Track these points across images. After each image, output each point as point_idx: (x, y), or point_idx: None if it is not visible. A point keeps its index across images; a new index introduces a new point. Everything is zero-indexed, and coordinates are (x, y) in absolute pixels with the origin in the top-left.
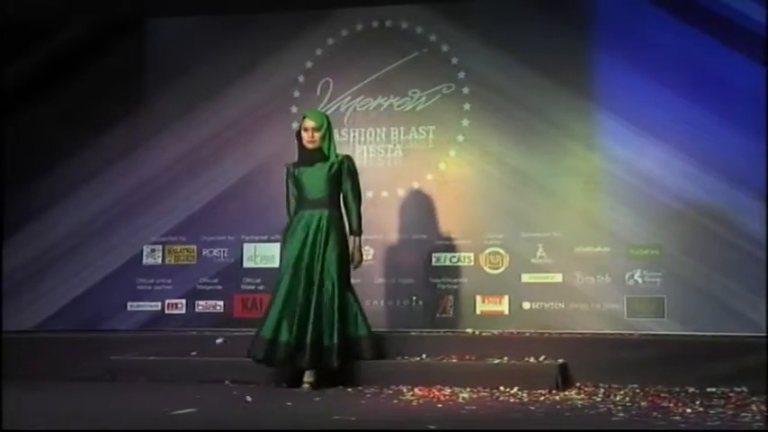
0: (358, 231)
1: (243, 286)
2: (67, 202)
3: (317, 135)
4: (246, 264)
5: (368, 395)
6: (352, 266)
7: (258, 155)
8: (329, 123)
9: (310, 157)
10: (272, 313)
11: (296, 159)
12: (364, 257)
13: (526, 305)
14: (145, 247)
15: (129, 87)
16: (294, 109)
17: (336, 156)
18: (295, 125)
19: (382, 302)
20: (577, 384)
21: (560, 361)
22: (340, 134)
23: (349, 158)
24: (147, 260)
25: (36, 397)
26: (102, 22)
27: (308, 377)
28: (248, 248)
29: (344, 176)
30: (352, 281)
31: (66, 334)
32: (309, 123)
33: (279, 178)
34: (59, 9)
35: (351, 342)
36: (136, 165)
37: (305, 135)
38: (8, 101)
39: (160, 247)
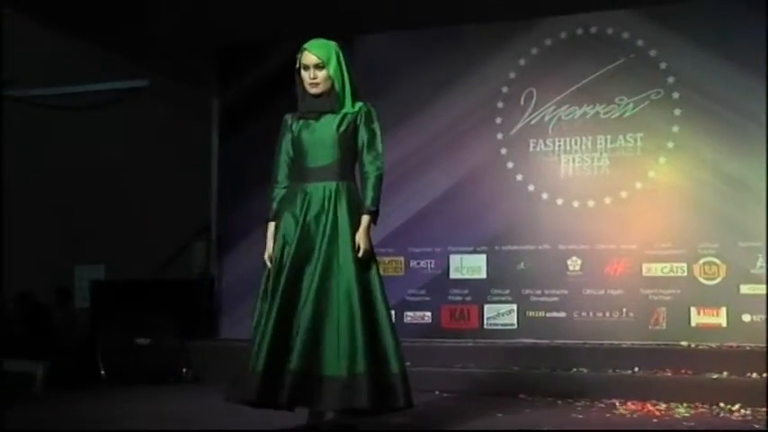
0: (371, 208)
1: (450, 297)
2: None
3: (322, 75)
4: (453, 275)
5: (579, 408)
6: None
7: (463, 166)
8: (341, 58)
9: (315, 106)
10: (265, 338)
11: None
12: (572, 268)
13: (746, 318)
14: None
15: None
16: (498, 120)
17: (354, 105)
18: (500, 136)
19: (591, 314)
20: None
21: None
22: (545, 143)
23: (368, 106)
24: None
25: None
26: None
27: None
28: (454, 260)
29: (361, 129)
30: None
31: None
32: (311, 58)
33: (485, 189)
34: (273, 32)
35: (384, 380)
36: None
37: (305, 75)
38: (226, 122)
39: None
